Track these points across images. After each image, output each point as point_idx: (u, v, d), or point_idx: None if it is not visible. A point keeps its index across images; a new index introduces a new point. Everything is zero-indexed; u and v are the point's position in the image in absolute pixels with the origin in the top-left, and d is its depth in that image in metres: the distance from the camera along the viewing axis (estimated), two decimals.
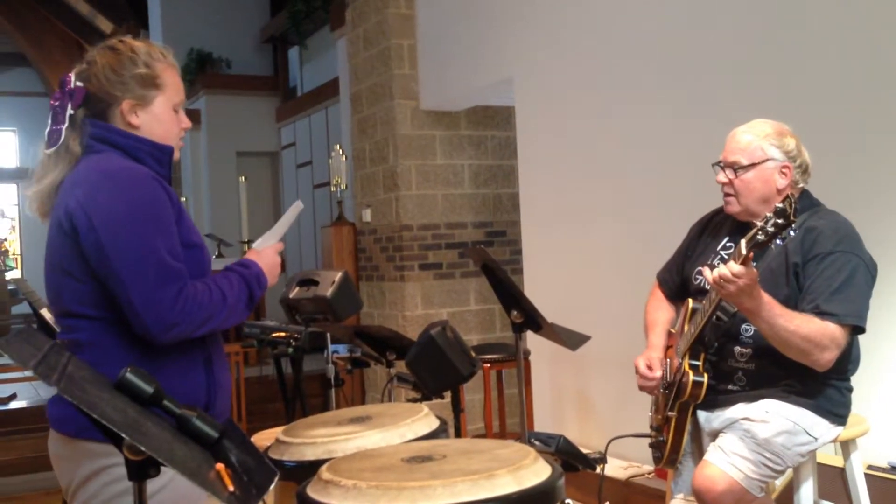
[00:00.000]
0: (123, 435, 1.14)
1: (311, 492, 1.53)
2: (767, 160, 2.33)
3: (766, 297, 2.13)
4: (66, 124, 1.78)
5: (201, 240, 1.82)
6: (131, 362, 1.60)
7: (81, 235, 1.67)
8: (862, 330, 2.22)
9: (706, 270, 2.21)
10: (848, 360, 2.32)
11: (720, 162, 2.41)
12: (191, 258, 1.74)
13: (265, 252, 1.91)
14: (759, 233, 2.00)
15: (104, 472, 1.68)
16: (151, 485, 1.29)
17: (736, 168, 2.36)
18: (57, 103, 1.79)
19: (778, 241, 2.06)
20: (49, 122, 1.80)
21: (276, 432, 2.07)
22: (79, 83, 1.79)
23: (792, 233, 2.10)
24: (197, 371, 1.77)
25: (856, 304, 2.19)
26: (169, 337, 1.66)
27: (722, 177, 2.40)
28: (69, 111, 1.77)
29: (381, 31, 5.99)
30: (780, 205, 1.97)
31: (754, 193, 2.35)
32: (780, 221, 1.97)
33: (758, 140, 2.35)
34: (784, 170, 2.34)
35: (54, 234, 1.74)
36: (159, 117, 1.81)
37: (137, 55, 1.79)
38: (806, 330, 2.14)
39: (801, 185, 2.37)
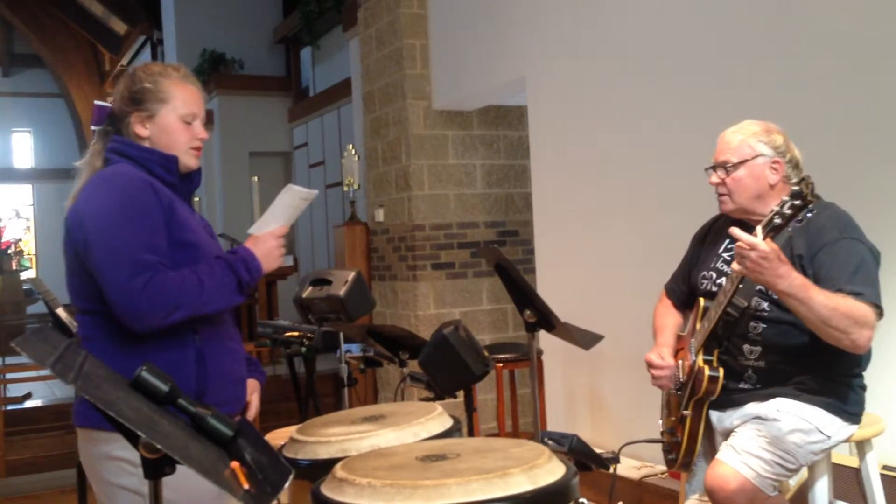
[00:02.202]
0: (139, 433, 1.15)
1: (326, 490, 1.53)
2: (757, 156, 2.35)
3: (799, 276, 2.10)
4: (94, 139, 2.01)
5: (199, 239, 1.93)
6: (119, 353, 1.79)
7: (74, 234, 1.85)
8: (881, 312, 2.19)
9: (734, 263, 2.13)
10: (860, 356, 2.31)
11: (712, 165, 2.42)
12: (184, 255, 1.86)
13: (262, 237, 1.99)
14: (776, 216, 2.00)
15: (108, 460, 1.80)
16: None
17: (727, 167, 2.37)
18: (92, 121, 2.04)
19: (795, 224, 2.04)
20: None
21: (289, 431, 2.08)
22: (105, 102, 2.01)
23: (809, 214, 2.09)
24: (186, 361, 1.87)
25: (872, 286, 2.18)
26: (143, 325, 1.78)
27: (714, 177, 2.41)
28: (92, 127, 2.02)
29: (393, 31, 6.00)
30: (797, 187, 1.96)
31: (747, 191, 2.35)
32: (797, 203, 1.96)
33: (746, 138, 2.37)
34: (774, 165, 2.35)
35: (64, 236, 1.91)
36: (165, 128, 1.96)
37: (147, 74, 1.98)
38: (845, 307, 2.10)
39: (794, 181, 2.37)
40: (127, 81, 1.99)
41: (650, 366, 2.53)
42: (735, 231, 2.09)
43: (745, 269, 2.09)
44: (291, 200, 2.02)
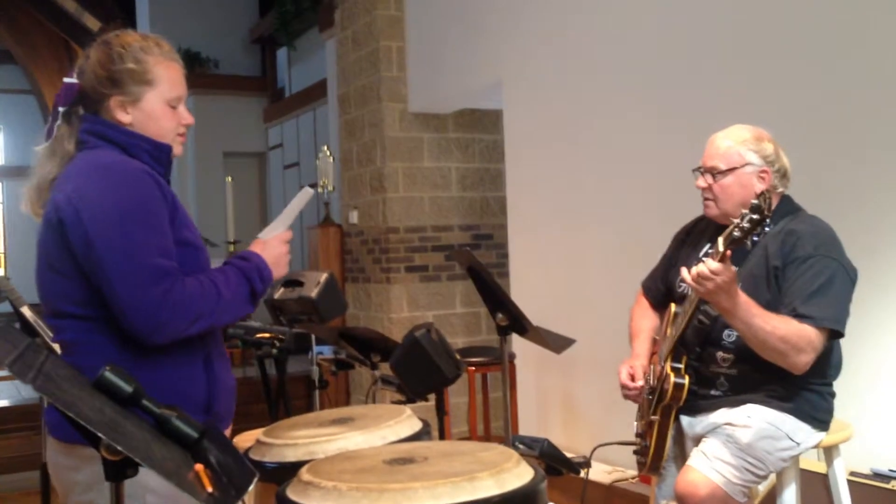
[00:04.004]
0: (100, 434, 1.13)
1: (291, 493, 1.51)
2: (745, 165, 2.35)
3: (744, 297, 2.14)
4: (59, 121, 1.75)
5: (198, 238, 1.77)
6: (127, 363, 1.60)
7: (69, 229, 1.62)
8: (840, 334, 2.23)
9: (684, 271, 2.22)
10: (829, 365, 2.33)
11: (700, 167, 2.43)
12: (185, 256, 1.70)
13: (270, 242, 1.85)
14: (736, 230, 2.03)
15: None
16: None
17: (714, 173, 2.38)
18: (56, 99, 1.77)
19: (755, 238, 2.07)
20: (50, 118, 1.77)
21: (258, 433, 2.05)
22: (73, 79, 1.76)
23: (767, 228, 2.11)
24: (196, 370, 1.74)
25: (833, 307, 2.19)
26: (159, 337, 1.62)
27: (701, 182, 2.42)
28: (60, 108, 1.75)
29: (369, 33, 5.98)
30: (755, 201, 1.99)
31: (733, 198, 2.35)
32: (755, 217, 1.99)
33: (736, 145, 2.36)
34: (762, 174, 2.35)
35: (44, 230, 1.69)
36: (150, 114, 1.76)
37: (126, 50, 1.74)
38: (783, 331, 2.14)
39: (780, 190, 2.39)
40: (102, 57, 1.74)
41: (620, 382, 2.55)
42: (698, 269, 2.11)
43: (703, 290, 2.13)
44: (301, 203, 1.91)
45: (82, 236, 1.61)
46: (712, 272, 2.06)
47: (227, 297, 1.70)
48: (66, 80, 1.76)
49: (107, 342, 1.65)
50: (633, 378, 2.52)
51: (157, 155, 1.77)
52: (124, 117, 1.74)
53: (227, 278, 1.72)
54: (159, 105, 1.77)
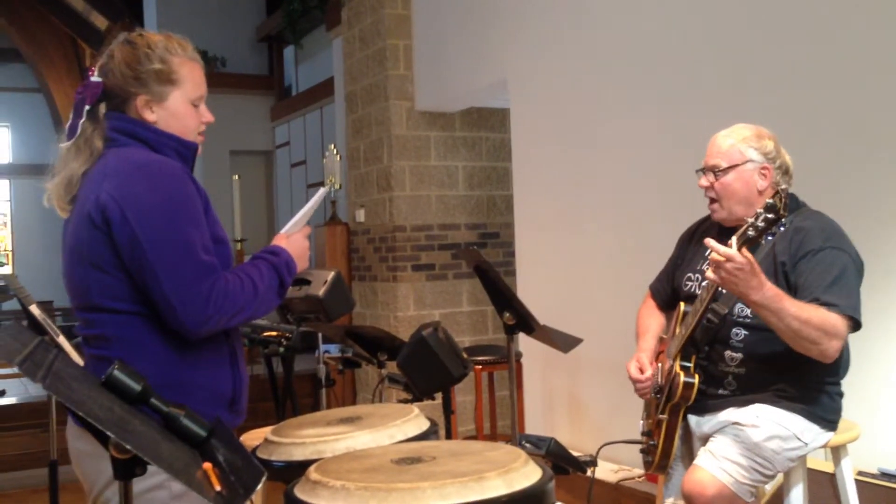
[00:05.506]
0: (109, 433, 1.13)
1: (299, 492, 1.51)
2: (746, 162, 2.35)
3: (772, 288, 2.11)
4: (84, 118, 1.77)
5: (226, 234, 1.82)
6: (163, 357, 1.69)
7: (114, 228, 1.66)
8: (859, 324, 2.21)
9: (708, 272, 2.18)
10: (838, 364, 2.32)
11: (702, 167, 2.43)
12: (217, 251, 1.74)
13: (294, 237, 1.90)
14: (750, 228, 2.02)
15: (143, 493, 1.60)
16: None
17: (716, 171, 2.38)
18: (79, 97, 1.79)
19: (768, 237, 2.06)
20: (71, 115, 1.79)
21: (265, 432, 2.06)
22: (98, 78, 1.80)
23: (782, 228, 2.10)
24: (223, 366, 1.79)
25: (851, 297, 2.19)
26: (204, 331, 1.68)
27: (703, 181, 2.42)
28: (86, 106, 1.77)
29: (376, 32, 5.98)
30: (771, 200, 1.99)
31: (735, 196, 2.36)
32: (770, 216, 1.98)
33: (737, 143, 2.37)
34: (763, 171, 2.35)
35: (81, 226, 1.71)
36: (175, 113, 1.81)
37: (153, 50, 1.79)
38: (817, 319, 2.12)
39: (783, 187, 2.38)
40: (128, 57, 1.79)
41: (631, 378, 2.54)
42: (710, 242, 2.10)
43: (719, 280, 2.10)
44: (316, 203, 1.95)
45: (128, 235, 1.66)
46: (724, 256, 2.03)
47: (262, 291, 1.75)
48: (93, 79, 1.79)
49: (150, 338, 1.71)
50: (641, 371, 2.52)
51: (183, 152, 1.82)
52: (150, 116, 1.79)
53: (261, 273, 1.77)
54: (183, 104, 1.82)
